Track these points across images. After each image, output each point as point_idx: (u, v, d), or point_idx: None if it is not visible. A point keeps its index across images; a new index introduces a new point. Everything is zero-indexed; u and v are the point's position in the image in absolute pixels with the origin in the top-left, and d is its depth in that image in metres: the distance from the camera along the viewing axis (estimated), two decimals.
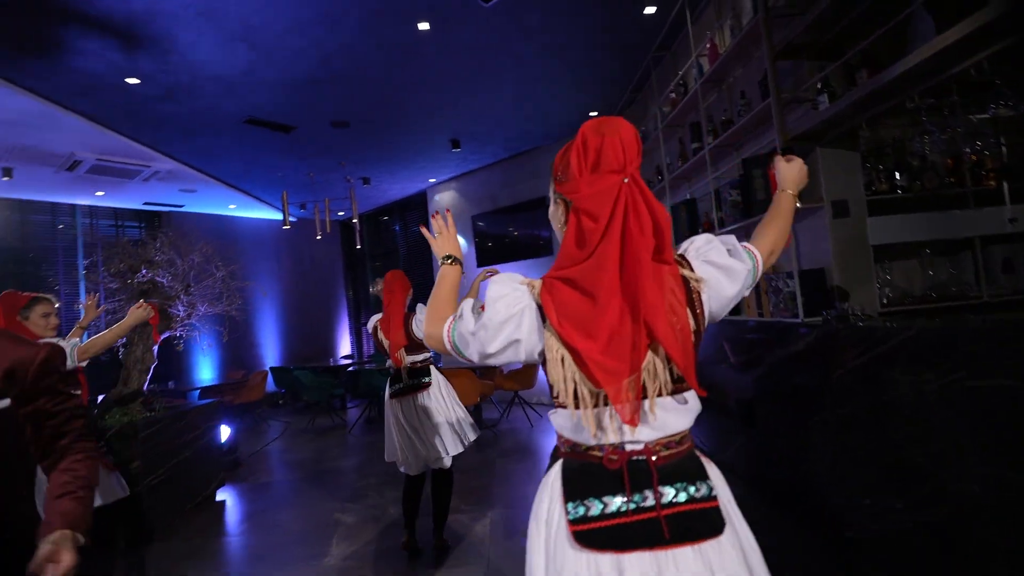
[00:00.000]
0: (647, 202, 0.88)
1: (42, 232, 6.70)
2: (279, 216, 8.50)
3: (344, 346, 9.52)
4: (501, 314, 0.90)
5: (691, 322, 0.89)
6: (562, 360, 0.86)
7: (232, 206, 7.80)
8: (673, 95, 3.95)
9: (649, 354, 0.85)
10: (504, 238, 7.10)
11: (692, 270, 0.94)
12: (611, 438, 0.87)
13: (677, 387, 0.87)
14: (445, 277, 1.10)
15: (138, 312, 2.53)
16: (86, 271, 6.73)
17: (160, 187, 6.51)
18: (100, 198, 6.71)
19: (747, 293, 1.00)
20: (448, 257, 1.14)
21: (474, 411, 6.11)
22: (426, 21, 3.47)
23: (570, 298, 0.87)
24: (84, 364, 2.50)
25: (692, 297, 0.91)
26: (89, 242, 7.05)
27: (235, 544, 3.22)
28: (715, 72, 3.25)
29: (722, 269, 0.95)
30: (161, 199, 7.11)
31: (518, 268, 6.84)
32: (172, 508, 3.59)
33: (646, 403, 0.85)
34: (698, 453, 0.92)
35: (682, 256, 0.98)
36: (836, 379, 2.19)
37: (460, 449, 2.69)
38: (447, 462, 2.71)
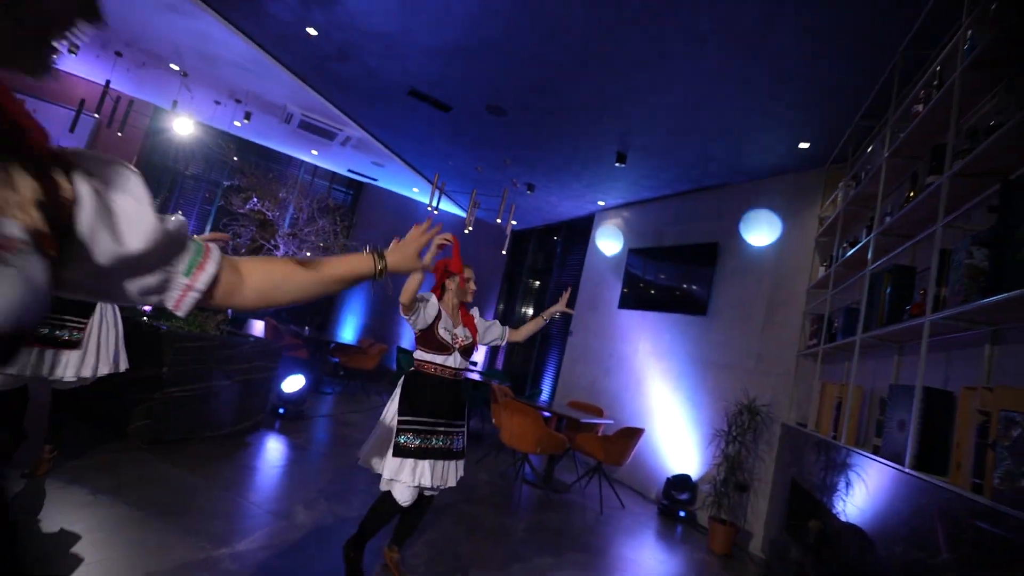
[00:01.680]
0: None
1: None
2: (458, 211, 8.77)
3: (481, 353, 9.33)
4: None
5: None
6: None
7: (415, 189, 8.29)
8: (920, 105, 2.55)
9: None
10: (652, 287, 5.95)
11: None
12: None
13: None
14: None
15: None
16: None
17: (356, 156, 7.20)
18: (315, 157, 7.75)
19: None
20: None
21: (522, 463, 5.15)
22: None
23: None
24: None
25: None
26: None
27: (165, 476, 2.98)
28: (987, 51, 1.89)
29: None
30: (359, 168, 7.91)
31: (664, 320, 5.64)
32: (178, 425, 3.57)
33: None
34: None
35: None
36: None
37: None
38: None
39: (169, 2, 4.24)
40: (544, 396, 7.32)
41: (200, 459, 3.36)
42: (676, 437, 5.06)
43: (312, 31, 4.12)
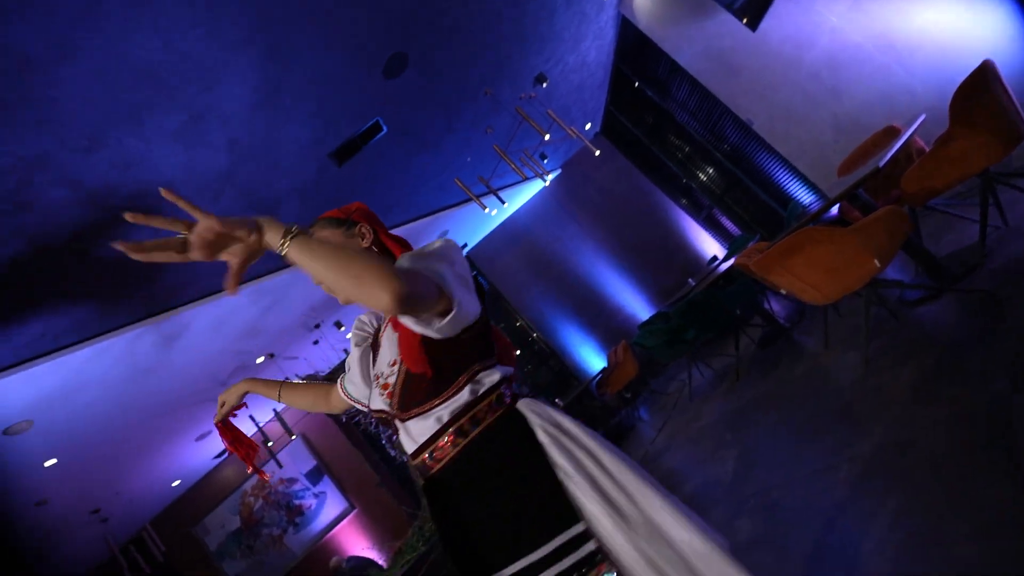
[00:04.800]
0: None
1: None
2: (534, 186, 7.40)
3: (707, 247, 7.34)
4: None
5: None
6: None
7: (490, 210, 7.23)
8: None
9: None
10: None
11: None
12: None
13: None
14: None
15: None
16: None
17: None
18: None
19: None
20: None
21: None
22: None
23: None
24: None
25: None
26: None
27: None
28: None
29: None
30: None
31: None
32: None
33: None
34: None
35: None
36: None
37: None
38: None
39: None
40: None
41: None
42: None
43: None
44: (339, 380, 1.28)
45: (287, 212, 3.93)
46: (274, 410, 7.09)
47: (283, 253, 0.80)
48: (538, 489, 0.89)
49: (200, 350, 4.46)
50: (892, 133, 3.15)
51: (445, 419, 0.94)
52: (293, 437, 6.99)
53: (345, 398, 1.22)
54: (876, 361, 2.53)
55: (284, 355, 5.89)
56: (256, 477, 7.31)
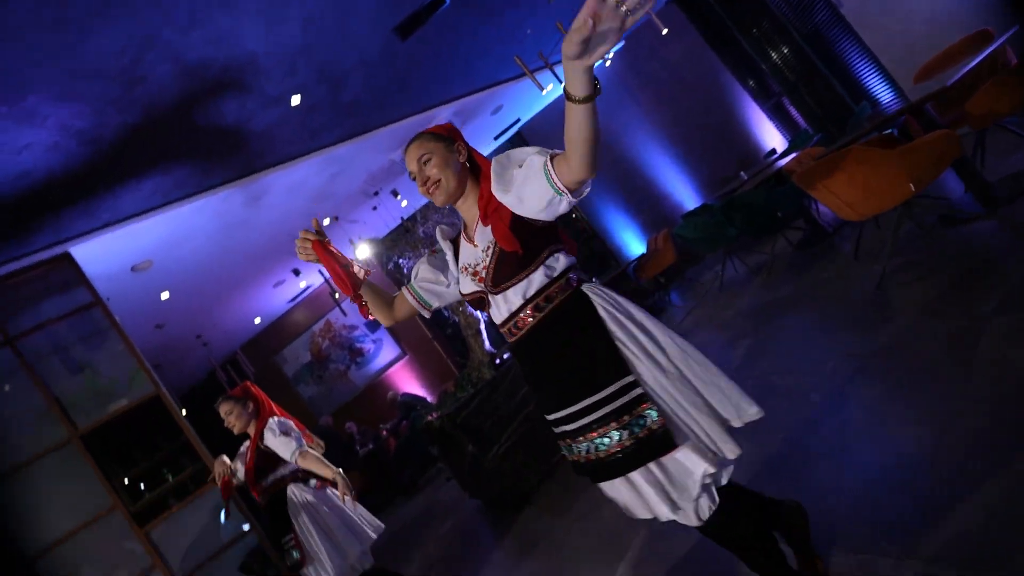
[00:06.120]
0: None
1: None
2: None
3: (768, 138, 7.04)
4: None
5: None
6: None
7: (549, 86, 7.03)
8: None
9: None
10: None
11: None
12: None
13: None
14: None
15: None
16: None
17: (475, 126, 6.56)
18: None
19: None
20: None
21: None
22: None
23: None
24: None
25: None
26: None
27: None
28: None
29: None
30: (497, 130, 7.23)
31: None
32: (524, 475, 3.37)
33: None
34: None
35: None
36: None
37: None
38: None
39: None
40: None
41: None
42: None
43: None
44: (404, 289, 1.49)
45: (352, 85, 4.10)
46: None
47: (577, 99, 0.93)
48: (599, 351, 1.18)
49: (280, 209, 4.98)
50: (985, 39, 2.96)
51: (529, 295, 1.22)
52: None
53: (414, 301, 1.45)
54: (895, 276, 2.73)
55: (347, 219, 6.41)
56: (323, 321, 8.28)
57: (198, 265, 4.88)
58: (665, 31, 5.06)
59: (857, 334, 2.55)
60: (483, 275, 1.28)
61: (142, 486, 3.45)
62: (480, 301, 1.33)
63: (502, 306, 1.27)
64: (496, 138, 7.63)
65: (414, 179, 1.30)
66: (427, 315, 1.49)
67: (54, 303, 3.55)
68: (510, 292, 1.25)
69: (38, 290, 3.52)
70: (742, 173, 5.93)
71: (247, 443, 2.59)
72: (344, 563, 2.36)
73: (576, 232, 8.12)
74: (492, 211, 1.23)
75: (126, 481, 3.39)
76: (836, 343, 2.61)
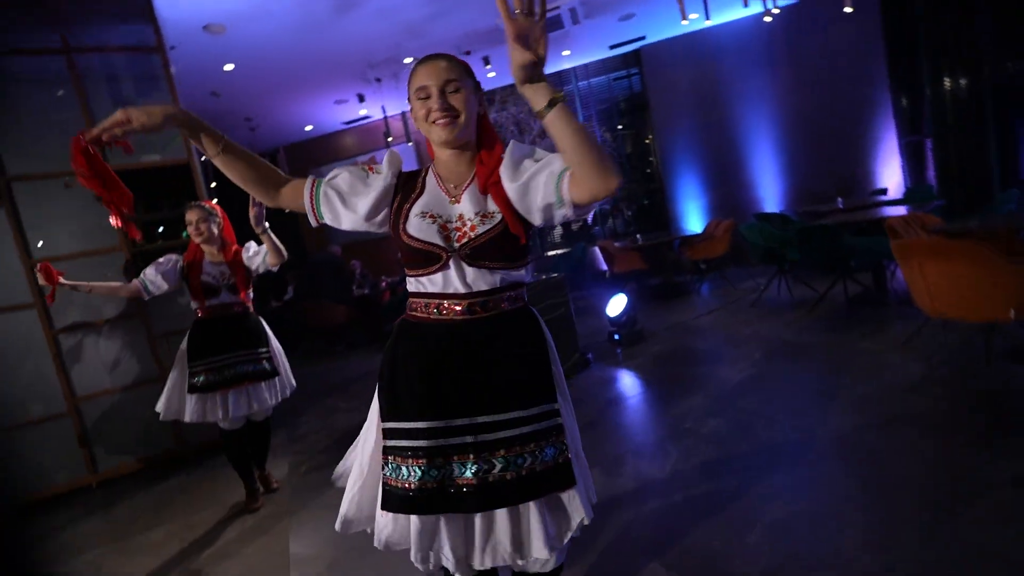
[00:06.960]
0: None
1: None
2: (752, 10, 6.13)
3: (887, 175, 6.35)
4: None
5: None
6: None
7: (691, 16, 6.22)
8: None
9: None
10: None
11: None
12: None
13: None
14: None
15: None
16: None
17: (596, 29, 5.92)
18: (568, 57, 6.86)
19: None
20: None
21: None
22: None
23: None
24: None
25: None
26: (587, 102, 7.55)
27: None
28: None
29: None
30: (617, 39, 6.54)
31: None
32: None
33: None
34: None
35: None
36: None
37: None
38: None
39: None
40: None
41: None
42: None
43: None
44: (309, 180, 1.21)
45: None
46: (403, 112, 7.54)
47: (544, 113, 0.92)
48: (541, 369, 1.14)
49: (363, 28, 4.66)
50: None
51: (497, 285, 1.12)
52: (409, 143, 7.61)
53: (308, 200, 1.18)
54: (929, 387, 2.55)
55: None
56: (368, 156, 8.17)
57: (270, 49, 4.67)
58: (849, 9, 4.34)
59: (859, 420, 2.43)
60: (465, 235, 1.10)
61: (160, 229, 3.89)
62: (423, 256, 1.11)
63: (469, 277, 1.11)
64: (612, 47, 6.92)
65: (422, 98, 1.09)
66: (313, 223, 1.22)
67: (119, 32, 3.44)
68: (485, 271, 1.11)
69: (107, 14, 3.39)
70: (839, 200, 5.43)
71: (176, 257, 2.51)
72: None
73: (644, 176, 7.68)
74: (492, 184, 1.10)
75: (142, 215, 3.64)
76: (834, 418, 2.50)
